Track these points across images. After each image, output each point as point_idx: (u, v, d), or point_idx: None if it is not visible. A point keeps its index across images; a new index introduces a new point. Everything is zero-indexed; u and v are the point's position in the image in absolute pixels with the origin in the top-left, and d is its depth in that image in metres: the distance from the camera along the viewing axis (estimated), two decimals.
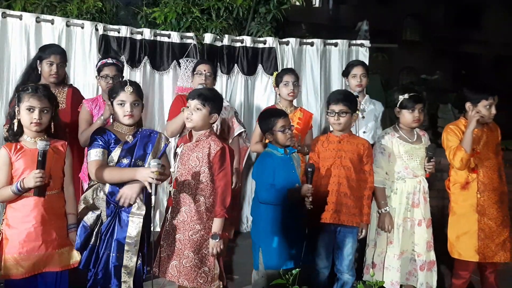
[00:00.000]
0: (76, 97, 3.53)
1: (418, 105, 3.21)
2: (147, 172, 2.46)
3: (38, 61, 3.37)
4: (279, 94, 3.78)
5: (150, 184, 2.46)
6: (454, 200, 3.33)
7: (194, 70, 3.72)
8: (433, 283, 3.26)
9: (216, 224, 2.74)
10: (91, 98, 3.62)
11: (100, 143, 2.63)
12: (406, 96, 3.22)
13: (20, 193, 2.46)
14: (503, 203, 3.25)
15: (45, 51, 3.38)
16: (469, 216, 3.25)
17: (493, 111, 3.20)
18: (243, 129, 3.84)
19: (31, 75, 3.39)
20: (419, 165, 3.25)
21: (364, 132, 3.81)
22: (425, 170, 3.26)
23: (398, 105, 3.25)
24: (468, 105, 3.22)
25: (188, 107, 2.80)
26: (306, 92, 4.85)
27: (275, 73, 3.89)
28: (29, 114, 2.49)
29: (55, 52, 3.36)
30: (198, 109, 2.78)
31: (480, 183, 3.24)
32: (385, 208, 3.19)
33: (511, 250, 3.22)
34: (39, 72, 3.37)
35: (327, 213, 3.07)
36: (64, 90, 3.48)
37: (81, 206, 2.69)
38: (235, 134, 3.82)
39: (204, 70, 3.64)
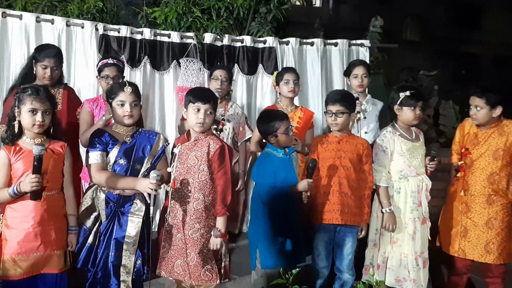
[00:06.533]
0: (72, 98, 3.46)
1: (419, 102, 3.22)
2: (146, 184, 2.49)
3: (34, 61, 3.26)
4: (279, 93, 3.79)
5: (149, 195, 2.48)
6: (448, 196, 3.48)
7: (211, 74, 3.85)
8: (426, 281, 3.26)
9: (219, 223, 2.76)
10: (92, 98, 3.60)
11: (99, 146, 2.64)
12: (407, 93, 3.21)
13: (17, 196, 2.46)
14: (492, 205, 3.23)
15: (40, 53, 3.24)
16: (455, 213, 3.36)
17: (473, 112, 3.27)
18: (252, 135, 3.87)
19: (28, 75, 3.29)
20: (420, 163, 3.26)
21: (365, 132, 3.80)
22: (426, 169, 3.27)
23: (398, 103, 3.24)
24: None
25: (198, 109, 2.77)
26: (307, 92, 4.84)
27: (275, 73, 3.90)
28: (31, 116, 2.48)
29: (50, 56, 3.22)
30: (210, 113, 2.80)
31: (465, 182, 3.31)
32: (389, 208, 3.17)
33: (499, 253, 3.20)
34: (34, 72, 3.26)
35: (333, 213, 3.07)
36: (59, 91, 3.38)
37: (82, 207, 2.70)
38: (245, 139, 3.87)
39: (220, 76, 3.76)
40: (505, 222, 3.22)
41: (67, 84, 3.55)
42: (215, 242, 2.74)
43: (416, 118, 3.23)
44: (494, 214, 3.22)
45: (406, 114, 3.23)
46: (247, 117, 4.08)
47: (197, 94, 2.84)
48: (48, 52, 3.25)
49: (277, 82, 3.75)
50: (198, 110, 2.77)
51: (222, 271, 2.85)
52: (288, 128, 3.02)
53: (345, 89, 4.27)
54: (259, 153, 3.35)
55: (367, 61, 4.70)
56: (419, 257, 3.20)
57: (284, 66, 4.60)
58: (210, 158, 2.77)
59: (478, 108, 3.23)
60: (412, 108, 3.20)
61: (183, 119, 3.63)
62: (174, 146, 2.92)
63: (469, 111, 3.32)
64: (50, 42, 3.88)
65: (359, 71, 3.85)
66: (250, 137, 3.84)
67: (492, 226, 3.22)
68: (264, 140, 3.16)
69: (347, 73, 3.97)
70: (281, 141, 3.02)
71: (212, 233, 2.74)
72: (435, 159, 3.24)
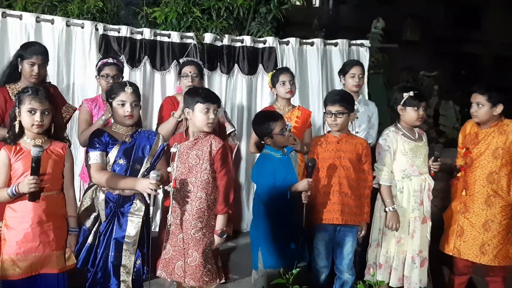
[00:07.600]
0: (56, 96, 3.33)
1: (422, 103, 3.22)
2: (146, 184, 2.49)
3: (19, 59, 3.18)
4: (276, 94, 3.77)
5: (149, 195, 2.49)
6: (452, 196, 3.47)
7: (180, 72, 3.67)
8: (425, 280, 3.27)
9: (221, 221, 2.77)
10: (91, 98, 3.61)
11: (99, 146, 2.64)
12: (411, 93, 3.21)
13: (15, 197, 2.46)
14: (491, 207, 3.22)
15: (27, 50, 3.17)
16: (455, 212, 3.36)
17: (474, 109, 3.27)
18: (233, 129, 3.82)
19: (12, 74, 3.22)
20: (423, 163, 3.26)
21: (357, 132, 3.79)
22: (430, 169, 3.27)
23: (402, 103, 3.24)
24: None
25: (208, 109, 2.77)
26: (308, 92, 4.85)
27: (269, 74, 3.88)
28: (30, 116, 2.48)
29: (37, 53, 3.16)
30: (217, 113, 2.82)
31: (465, 181, 3.31)
32: (392, 207, 3.17)
33: (494, 255, 3.19)
34: (20, 70, 3.19)
35: (332, 213, 3.07)
36: None
37: (82, 207, 2.70)
38: (226, 134, 3.81)
39: (190, 72, 3.57)
40: (503, 225, 3.20)
41: (50, 83, 3.50)
42: (220, 242, 2.79)
43: (419, 118, 3.23)
44: (492, 216, 3.21)
45: (410, 114, 3.23)
46: (225, 111, 3.99)
47: (206, 95, 2.85)
48: (35, 49, 3.20)
49: (273, 84, 3.72)
50: (208, 110, 2.78)
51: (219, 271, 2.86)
52: (284, 128, 3.02)
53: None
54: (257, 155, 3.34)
55: (368, 61, 4.70)
56: (417, 255, 3.20)
57: (284, 66, 4.59)
58: (212, 157, 2.78)
59: (480, 105, 3.23)
60: (416, 108, 3.20)
61: (161, 122, 3.57)
62: (169, 145, 2.91)
63: (470, 109, 3.31)
64: (50, 42, 3.89)
65: (356, 71, 3.85)
66: (231, 132, 3.76)
67: (489, 228, 3.21)
68: (262, 142, 3.16)
69: (342, 72, 3.96)
70: (277, 141, 3.02)
71: (218, 234, 2.76)
72: (438, 160, 3.24)
